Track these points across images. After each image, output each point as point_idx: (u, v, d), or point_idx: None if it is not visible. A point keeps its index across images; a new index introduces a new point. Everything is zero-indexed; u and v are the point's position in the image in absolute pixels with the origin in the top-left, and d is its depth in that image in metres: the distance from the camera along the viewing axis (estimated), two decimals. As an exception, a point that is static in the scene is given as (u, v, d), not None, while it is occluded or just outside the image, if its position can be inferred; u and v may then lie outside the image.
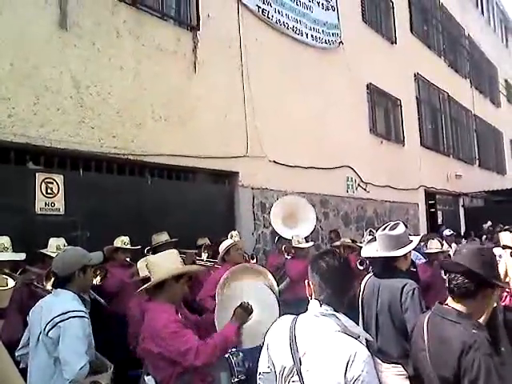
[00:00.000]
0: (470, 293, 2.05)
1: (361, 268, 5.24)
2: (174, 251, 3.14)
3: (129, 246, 5.11)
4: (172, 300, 2.89)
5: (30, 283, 3.95)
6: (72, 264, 3.05)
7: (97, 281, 4.38)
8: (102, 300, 4.29)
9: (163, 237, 5.45)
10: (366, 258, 4.93)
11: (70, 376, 2.72)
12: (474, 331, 1.94)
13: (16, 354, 3.07)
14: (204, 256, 5.63)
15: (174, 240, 5.50)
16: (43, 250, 4.37)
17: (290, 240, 6.52)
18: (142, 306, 3.17)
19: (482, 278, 2.02)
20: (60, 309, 2.83)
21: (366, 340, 2.35)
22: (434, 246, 6.23)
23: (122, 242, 5.10)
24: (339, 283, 2.00)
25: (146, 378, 2.79)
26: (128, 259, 5.08)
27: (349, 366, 1.77)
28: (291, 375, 1.92)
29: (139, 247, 5.22)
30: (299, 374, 1.88)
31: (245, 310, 3.01)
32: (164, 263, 2.91)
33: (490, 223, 12.03)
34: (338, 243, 7.11)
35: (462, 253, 2.20)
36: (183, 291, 2.99)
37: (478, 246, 2.27)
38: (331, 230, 8.56)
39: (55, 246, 4.40)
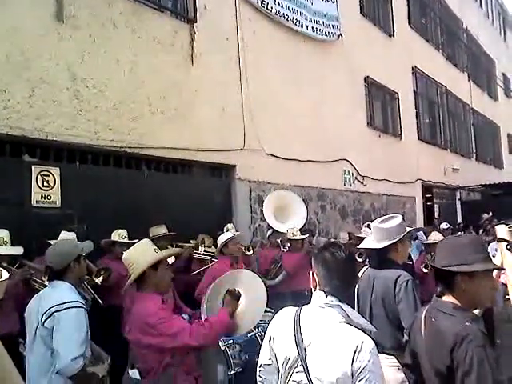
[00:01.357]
0: (448, 286, 2.09)
1: (359, 260, 5.25)
2: (145, 241, 3.09)
3: (126, 240, 5.07)
4: (159, 289, 2.83)
5: (29, 278, 3.94)
6: (67, 256, 3.06)
7: (99, 280, 4.38)
8: (101, 301, 4.26)
9: (161, 230, 5.45)
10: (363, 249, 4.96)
11: (61, 365, 2.70)
12: (467, 323, 1.94)
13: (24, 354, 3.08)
14: (201, 249, 5.63)
15: (172, 233, 5.49)
16: (52, 242, 4.35)
17: (282, 233, 6.49)
18: (132, 297, 3.12)
19: (443, 270, 2.06)
20: (57, 299, 2.84)
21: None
22: (433, 237, 6.37)
23: (119, 235, 5.07)
24: (345, 274, 2.02)
25: (131, 371, 2.77)
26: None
27: (356, 355, 1.80)
28: (295, 365, 1.94)
29: (136, 241, 5.19)
30: (304, 364, 1.90)
31: (233, 296, 2.99)
32: (137, 256, 2.83)
33: (490, 214, 11.86)
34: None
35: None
36: (167, 277, 2.91)
37: (443, 239, 2.29)
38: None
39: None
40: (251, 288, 3.12)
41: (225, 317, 2.85)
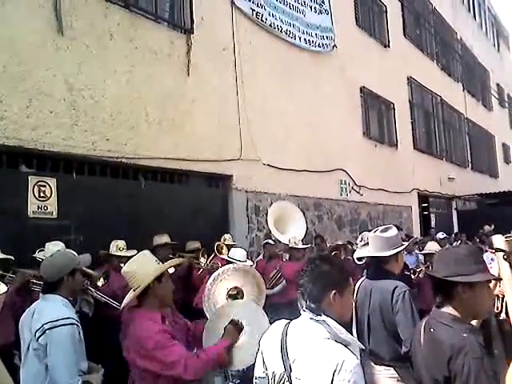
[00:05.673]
0: (448, 296, 2.09)
1: (359, 263, 5.20)
2: (145, 252, 2.93)
3: (123, 252, 4.93)
4: (161, 303, 2.75)
5: (28, 281, 3.90)
6: (60, 268, 2.99)
7: (101, 282, 4.33)
8: (118, 306, 4.06)
9: (163, 239, 5.45)
10: (358, 259, 4.97)
11: None
12: (464, 335, 1.95)
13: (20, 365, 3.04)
14: (203, 260, 5.59)
15: (173, 243, 5.52)
16: (38, 255, 4.28)
17: (275, 244, 6.48)
18: (130, 313, 2.92)
19: (444, 281, 2.07)
20: (50, 316, 2.79)
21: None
22: (430, 247, 6.35)
23: (117, 246, 4.96)
24: (314, 289, 1.97)
25: None
26: (123, 264, 4.95)
27: (335, 374, 1.73)
28: (282, 381, 1.90)
29: (134, 253, 5.03)
30: (289, 380, 1.86)
31: (235, 328, 2.88)
32: (140, 269, 2.72)
33: (493, 226, 11.53)
34: (339, 242, 7.20)
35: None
36: (170, 289, 2.81)
37: (442, 249, 2.31)
38: (316, 235, 8.39)
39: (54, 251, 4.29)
40: (255, 324, 2.94)
41: (222, 351, 2.73)
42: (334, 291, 1.95)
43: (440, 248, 6.32)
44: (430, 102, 15.43)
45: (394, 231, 3.39)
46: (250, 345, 2.77)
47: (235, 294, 3.28)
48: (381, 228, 3.46)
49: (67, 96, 5.10)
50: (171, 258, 5.32)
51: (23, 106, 4.71)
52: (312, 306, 1.96)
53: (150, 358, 2.49)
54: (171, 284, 2.84)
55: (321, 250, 6.91)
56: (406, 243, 3.44)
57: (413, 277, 5.63)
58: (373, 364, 3.19)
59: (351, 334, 2.46)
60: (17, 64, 4.69)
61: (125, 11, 5.89)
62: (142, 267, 2.74)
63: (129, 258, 4.73)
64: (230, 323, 2.89)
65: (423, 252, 6.53)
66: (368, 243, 3.58)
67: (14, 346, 3.48)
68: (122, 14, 5.83)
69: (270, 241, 6.72)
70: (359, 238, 7.21)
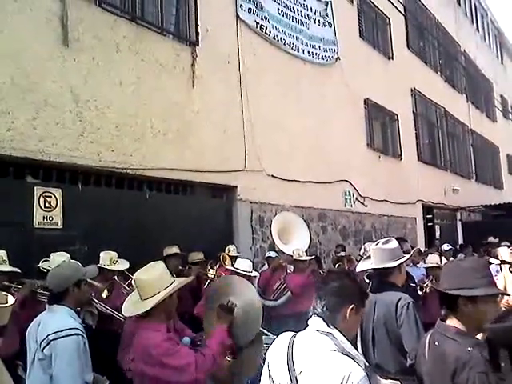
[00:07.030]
0: (451, 309, 2.09)
1: (368, 281, 5.20)
2: (160, 263, 2.91)
3: (115, 267, 4.70)
4: (167, 316, 2.77)
5: (35, 292, 3.90)
6: (66, 279, 2.99)
7: (105, 294, 4.31)
8: (122, 318, 3.95)
9: (174, 249, 5.50)
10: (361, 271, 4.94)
11: None
12: (469, 349, 1.94)
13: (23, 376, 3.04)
14: (212, 272, 5.56)
15: (183, 253, 5.58)
16: (43, 265, 4.28)
17: (278, 256, 6.47)
18: (135, 325, 2.95)
19: (446, 294, 2.08)
20: (55, 326, 2.79)
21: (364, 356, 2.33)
22: (431, 260, 6.26)
23: (110, 260, 4.71)
24: (334, 297, 1.99)
25: None
26: (116, 277, 4.74)
27: None
28: None
29: (127, 265, 4.77)
30: None
31: (226, 310, 2.91)
32: (154, 281, 2.71)
33: (497, 239, 11.46)
34: (342, 254, 7.19)
35: None
36: (175, 303, 2.84)
37: (448, 262, 2.31)
38: (337, 244, 8.67)
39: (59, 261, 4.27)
40: (242, 294, 3.07)
41: (223, 337, 2.76)
42: (352, 306, 1.98)
43: (440, 260, 6.29)
44: (434, 114, 15.45)
45: (394, 243, 3.39)
46: (247, 316, 2.89)
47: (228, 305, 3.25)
48: (382, 240, 3.46)
49: (73, 107, 5.14)
50: (180, 269, 5.42)
51: (30, 117, 4.75)
52: (327, 313, 1.98)
53: (161, 365, 2.50)
54: (177, 300, 2.87)
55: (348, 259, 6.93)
56: (409, 254, 3.43)
57: (420, 292, 5.56)
58: (379, 377, 3.16)
59: (356, 348, 2.46)
60: (24, 76, 4.74)
61: (131, 24, 5.96)
62: (157, 279, 2.74)
63: (121, 271, 4.73)
64: (219, 307, 2.94)
65: (425, 265, 6.41)
66: (370, 256, 3.58)
67: (18, 357, 3.48)
68: (129, 27, 5.90)
69: (272, 253, 6.66)
70: (362, 250, 7.22)
